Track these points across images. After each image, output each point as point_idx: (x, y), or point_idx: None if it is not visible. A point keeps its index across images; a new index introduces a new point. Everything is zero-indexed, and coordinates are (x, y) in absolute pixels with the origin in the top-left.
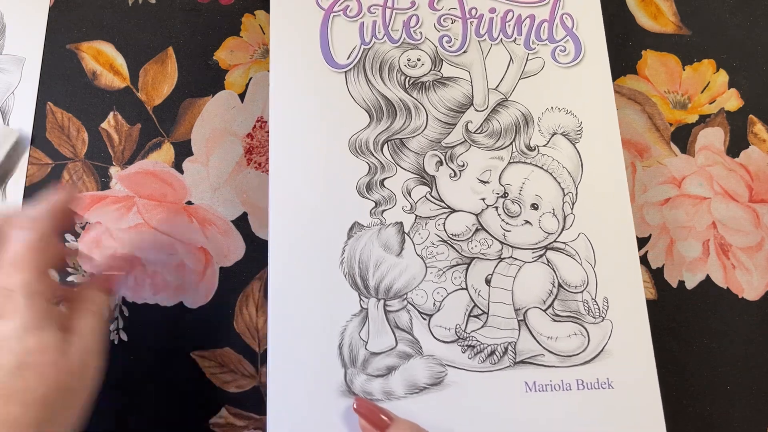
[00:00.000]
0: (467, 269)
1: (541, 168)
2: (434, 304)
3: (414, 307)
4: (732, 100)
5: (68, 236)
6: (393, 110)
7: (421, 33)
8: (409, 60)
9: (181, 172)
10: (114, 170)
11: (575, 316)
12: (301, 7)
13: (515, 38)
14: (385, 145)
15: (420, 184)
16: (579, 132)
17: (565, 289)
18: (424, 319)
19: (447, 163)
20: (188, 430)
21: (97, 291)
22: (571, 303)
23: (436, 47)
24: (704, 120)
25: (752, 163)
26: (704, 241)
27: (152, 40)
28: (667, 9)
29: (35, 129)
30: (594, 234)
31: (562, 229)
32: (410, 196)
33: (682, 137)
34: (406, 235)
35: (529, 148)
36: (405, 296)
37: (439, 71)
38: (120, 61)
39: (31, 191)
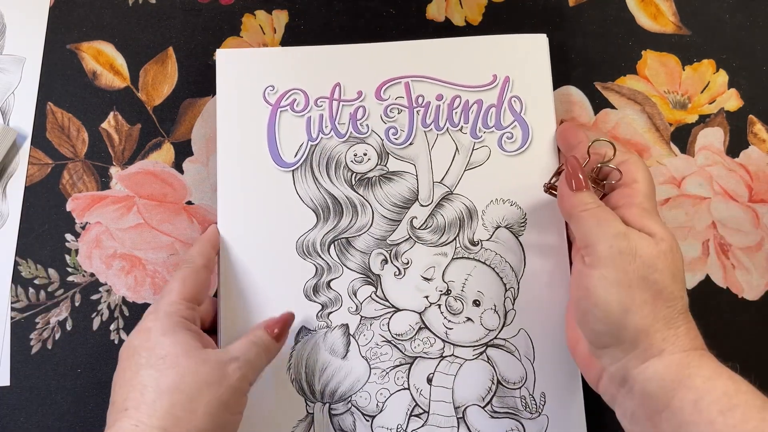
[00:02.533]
0: (410, 369)
1: (484, 263)
2: (377, 405)
3: (357, 409)
4: (732, 100)
5: (68, 236)
6: (339, 209)
7: (367, 125)
8: (355, 155)
9: (181, 172)
10: (114, 170)
11: (512, 412)
12: (248, 104)
13: (462, 127)
14: (332, 245)
15: (365, 284)
16: (523, 224)
17: (503, 385)
18: (367, 420)
19: (392, 261)
20: None
21: (264, 332)
22: (509, 399)
23: (383, 140)
24: (704, 120)
25: (752, 163)
26: (704, 241)
27: (152, 40)
28: (667, 9)
29: (35, 129)
30: (534, 329)
31: (503, 326)
32: (356, 296)
33: (682, 137)
34: (351, 337)
35: (473, 243)
36: (349, 399)
37: (385, 165)
38: (120, 61)
39: (31, 191)
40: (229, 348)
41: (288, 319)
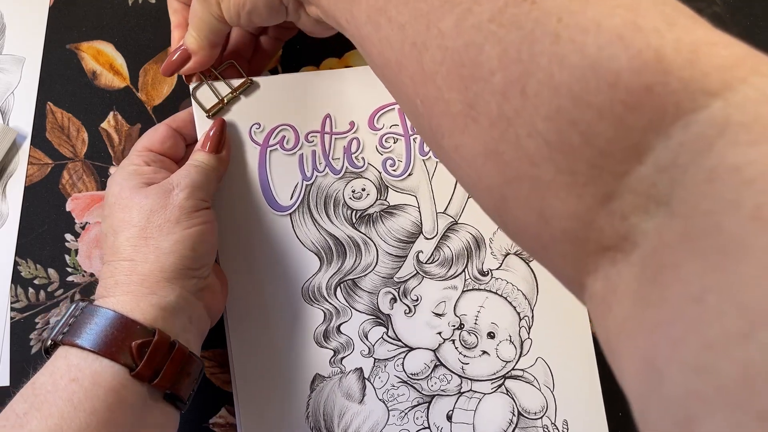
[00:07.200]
0: (428, 408)
1: (496, 293)
2: None
3: None
4: None
5: (68, 236)
6: (342, 249)
7: (363, 158)
8: (353, 191)
9: None
10: (114, 170)
11: None
12: (234, 145)
13: None
14: (338, 288)
15: (376, 324)
16: None
17: (524, 416)
18: None
19: (401, 300)
20: (188, 430)
21: (202, 152)
22: (531, 429)
23: (380, 173)
24: None
25: None
26: None
27: (152, 40)
28: None
29: (35, 129)
30: (552, 357)
31: (520, 356)
32: (367, 339)
33: None
34: (366, 381)
35: (482, 273)
36: None
37: (385, 200)
38: (120, 60)
39: (31, 191)
40: (171, 177)
41: (218, 128)
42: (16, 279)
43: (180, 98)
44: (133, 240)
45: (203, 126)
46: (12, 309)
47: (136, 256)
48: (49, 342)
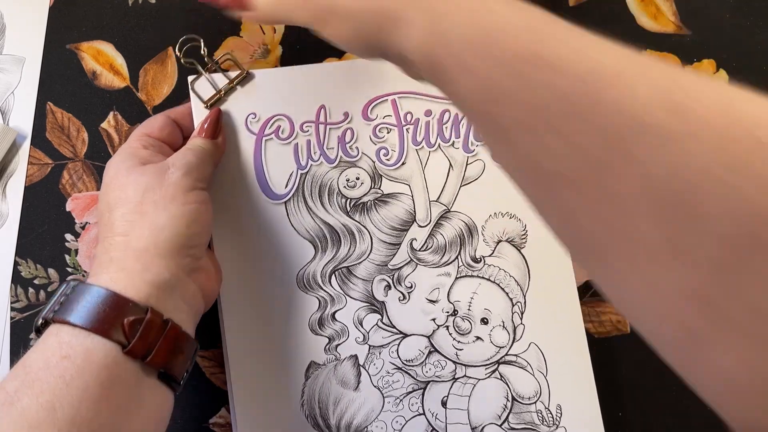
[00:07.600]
0: (423, 394)
1: (488, 280)
2: None
3: None
4: None
5: (68, 236)
6: (337, 237)
7: (357, 148)
8: (348, 180)
9: None
10: None
11: (530, 427)
12: (230, 135)
13: (453, 142)
14: (333, 275)
15: (371, 312)
16: (524, 236)
17: (518, 401)
18: None
19: (395, 287)
20: (188, 430)
21: (199, 138)
22: (526, 414)
23: (374, 162)
24: None
25: None
26: None
27: (152, 40)
28: (667, 9)
29: (35, 129)
30: (544, 342)
31: (513, 341)
32: (362, 326)
33: None
34: (361, 368)
35: (475, 260)
36: (365, 429)
37: (379, 188)
38: (120, 61)
39: (31, 191)
40: (168, 159)
41: (214, 115)
42: (16, 279)
43: (180, 98)
44: (129, 215)
45: (201, 117)
46: (12, 309)
47: (131, 231)
48: (41, 321)
